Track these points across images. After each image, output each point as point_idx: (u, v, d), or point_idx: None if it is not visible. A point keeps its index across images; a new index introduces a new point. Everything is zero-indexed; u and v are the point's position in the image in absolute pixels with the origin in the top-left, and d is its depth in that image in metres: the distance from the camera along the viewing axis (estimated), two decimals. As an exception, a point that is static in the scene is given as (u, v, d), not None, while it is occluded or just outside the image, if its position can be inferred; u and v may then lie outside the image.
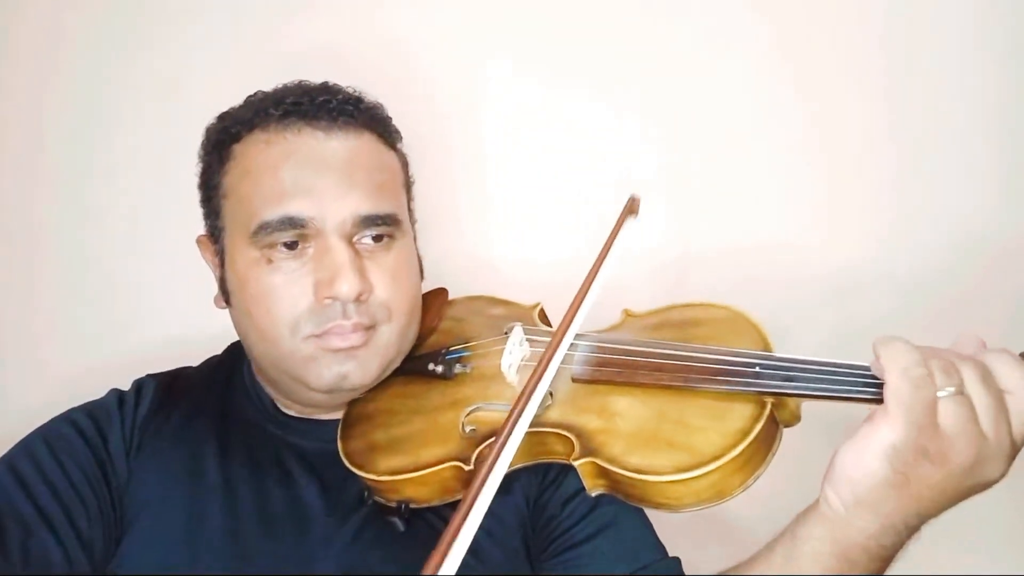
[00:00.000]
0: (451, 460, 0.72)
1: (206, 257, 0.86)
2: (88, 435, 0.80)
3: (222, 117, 0.84)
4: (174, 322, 1.12)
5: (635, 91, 1.17)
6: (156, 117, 1.15)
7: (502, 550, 0.78)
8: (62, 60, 1.17)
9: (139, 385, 0.87)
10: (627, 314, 0.84)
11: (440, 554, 0.54)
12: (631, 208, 0.83)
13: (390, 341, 0.80)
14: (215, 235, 0.83)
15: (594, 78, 1.18)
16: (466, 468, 0.72)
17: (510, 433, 0.63)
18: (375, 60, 1.11)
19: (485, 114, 1.20)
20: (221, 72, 1.08)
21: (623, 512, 0.78)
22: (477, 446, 0.73)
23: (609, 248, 0.78)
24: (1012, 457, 0.61)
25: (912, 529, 0.61)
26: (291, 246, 0.77)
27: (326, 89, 0.82)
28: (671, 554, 0.78)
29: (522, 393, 0.65)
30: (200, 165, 0.85)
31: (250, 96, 0.85)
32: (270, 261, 0.77)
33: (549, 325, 0.89)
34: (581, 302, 0.74)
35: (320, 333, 0.76)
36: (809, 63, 1.18)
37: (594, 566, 0.76)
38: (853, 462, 0.60)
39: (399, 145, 0.88)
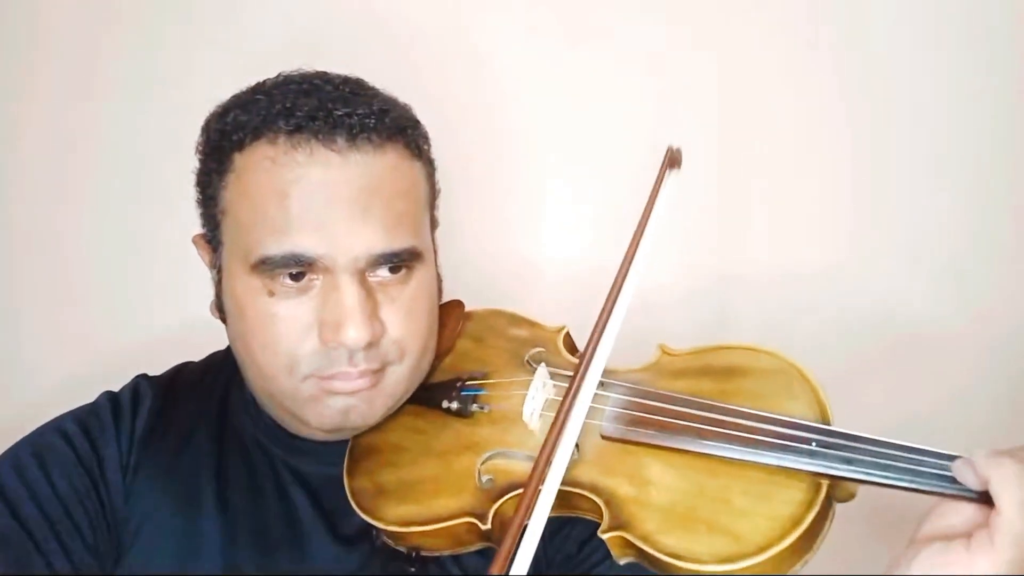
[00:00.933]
0: (466, 516, 0.66)
1: (202, 257, 0.78)
2: (81, 451, 0.74)
3: (224, 113, 0.73)
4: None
5: (680, 102, 1.14)
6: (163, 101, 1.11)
7: None
8: (61, 59, 1.11)
9: (135, 388, 0.80)
10: (663, 351, 0.74)
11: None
12: (672, 159, 0.72)
13: (400, 380, 0.74)
14: (213, 244, 0.75)
15: (646, 86, 1.15)
16: (482, 527, 0.65)
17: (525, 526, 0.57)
18: (432, 47, 1.07)
19: (533, 114, 1.15)
20: (231, 60, 1.03)
21: None
22: (494, 501, 0.66)
23: (652, 207, 0.69)
24: None
25: None
26: (296, 277, 0.69)
27: (345, 99, 0.70)
28: None
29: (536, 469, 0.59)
30: (198, 161, 0.75)
31: (258, 87, 0.74)
32: (272, 293, 0.70)
33: (574, 353, 0.80)
34: (607, 321, 0.66)
35: (323, 376, 0.71)
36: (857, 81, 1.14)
37: None
38: None
39: (426, 147, 0.77)
